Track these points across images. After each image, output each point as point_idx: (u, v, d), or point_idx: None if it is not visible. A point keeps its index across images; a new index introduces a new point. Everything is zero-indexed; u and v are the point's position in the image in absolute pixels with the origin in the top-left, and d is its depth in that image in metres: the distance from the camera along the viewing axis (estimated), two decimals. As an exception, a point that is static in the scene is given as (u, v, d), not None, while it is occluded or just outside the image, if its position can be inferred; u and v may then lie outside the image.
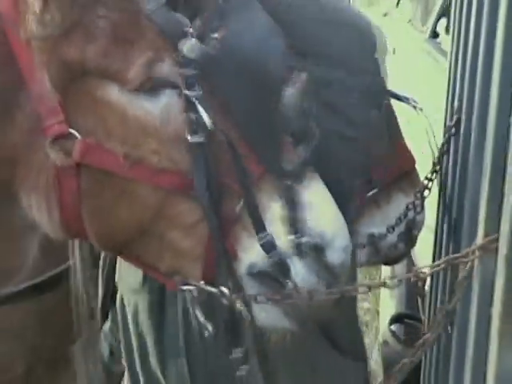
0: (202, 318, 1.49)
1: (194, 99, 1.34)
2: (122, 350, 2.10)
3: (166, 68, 1.37)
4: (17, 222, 1.49)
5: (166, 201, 1.39)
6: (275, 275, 1.41)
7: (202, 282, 1.43)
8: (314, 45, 1.68)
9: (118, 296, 2.10)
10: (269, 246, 1.38)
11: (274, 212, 1.40)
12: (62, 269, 2.00)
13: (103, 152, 1.37)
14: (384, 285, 1.68)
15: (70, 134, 1.36)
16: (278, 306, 1.44)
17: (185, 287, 1.46)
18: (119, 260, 2.05)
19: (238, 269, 1.42)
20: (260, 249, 1.39)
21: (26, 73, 1.36)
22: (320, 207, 1.43)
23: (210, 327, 1.49)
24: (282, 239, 1.39)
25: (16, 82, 1.37)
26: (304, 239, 1.39)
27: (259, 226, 1.38)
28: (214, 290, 1.42)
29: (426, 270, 1.82)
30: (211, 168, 1.37)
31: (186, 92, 1.34)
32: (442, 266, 1.79)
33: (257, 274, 1.42)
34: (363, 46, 1.83)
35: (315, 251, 1.40)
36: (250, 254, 1.41)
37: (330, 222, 1.44)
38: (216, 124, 1.35)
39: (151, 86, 1.37)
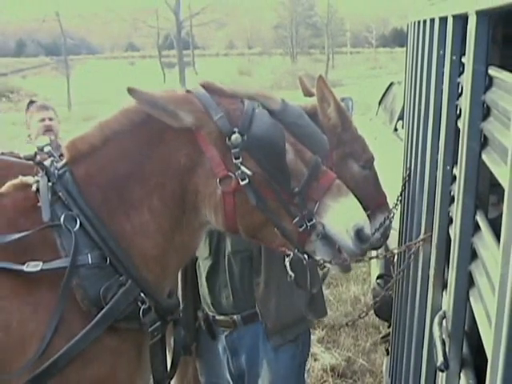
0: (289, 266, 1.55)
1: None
2: None
3: None
4: (196, 223, 1.54)
5: (276, 204, 1.47)
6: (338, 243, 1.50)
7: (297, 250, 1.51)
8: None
9: None
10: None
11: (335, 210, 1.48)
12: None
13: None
14: (377, 257, 1.93)
15: (229, 175, 1.44)
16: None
17: (288, 252, 1.52)
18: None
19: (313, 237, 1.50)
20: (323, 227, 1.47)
21: (203, 147, 1.46)
22: (354, 206, 1.51)
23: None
24: (340, 225, 1.48)
25: (197, 153, 1.46)
26: (353, 226, 1.48)
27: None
28: (300, 255, 1.52)
29: (395, 251, 2.00)
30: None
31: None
32: (403, 248, 1.92)
33: (326, 241, 1.50)
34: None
35: (358, 232, 1.48)
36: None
37: (362, 215, 1.51)
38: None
39: None
